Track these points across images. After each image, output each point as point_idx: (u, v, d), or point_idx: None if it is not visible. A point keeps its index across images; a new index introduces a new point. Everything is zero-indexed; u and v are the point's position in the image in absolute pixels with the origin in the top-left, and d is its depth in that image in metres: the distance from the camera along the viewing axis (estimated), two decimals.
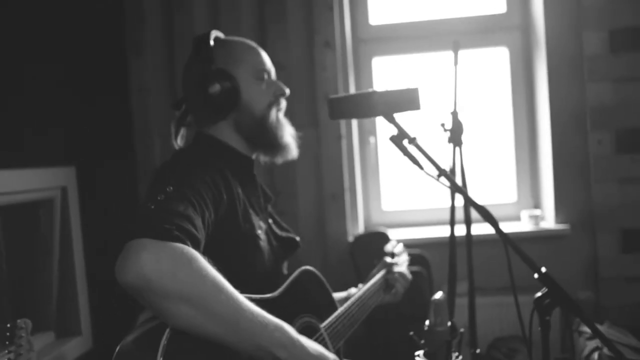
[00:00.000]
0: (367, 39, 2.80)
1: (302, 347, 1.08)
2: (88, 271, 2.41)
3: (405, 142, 1.24)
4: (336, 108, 1.26)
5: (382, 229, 2.66)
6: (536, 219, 2.61)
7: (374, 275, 1.73)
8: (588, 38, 2.50)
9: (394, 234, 2.60)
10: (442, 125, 1.59)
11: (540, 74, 2.64)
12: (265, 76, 1.41)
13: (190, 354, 1.01)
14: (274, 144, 1.41)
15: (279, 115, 1.44)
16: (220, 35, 1.45)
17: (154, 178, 1.23)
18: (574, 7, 2.52)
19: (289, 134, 1.44)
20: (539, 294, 1.20)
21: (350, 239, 2.60)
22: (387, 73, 2.83)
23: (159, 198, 1.07)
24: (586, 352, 2.23)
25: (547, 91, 2.56)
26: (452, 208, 1.63)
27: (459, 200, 1.62)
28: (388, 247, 1.89)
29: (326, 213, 2.58)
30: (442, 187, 1.33)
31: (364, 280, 1.75)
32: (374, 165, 2.87)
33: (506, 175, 2.81)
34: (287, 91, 1.44)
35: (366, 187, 2.86)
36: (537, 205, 2.76)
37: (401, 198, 2.89)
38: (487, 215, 1.22)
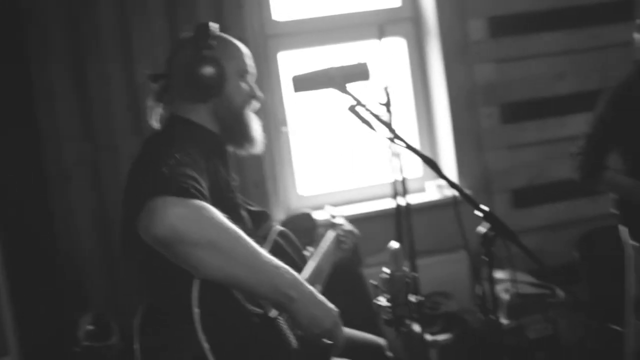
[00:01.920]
0: (273, 34, 2.93)
1: (309, 289, 1.22)
2: (11, 286, 2.32)
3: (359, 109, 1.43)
4: (299, 84, 1.42)
5: (306, 210, 2.82)
6: (441, 188, 2.92)
7: (322, 237, 1.87)
8: (473, 25, 2.87)
9: (315, 215, 2.78)
10: (378, 100, 1.80)
11: (434, 59, 2.97)
12: (248, 78, 1.52)
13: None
14: (245, 136, 1.52)
15: (252, 112, 1.55)
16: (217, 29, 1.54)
17: (149, 157, 1.31)
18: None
19: (258, 130, 1.56)
20: (483, 229, 1.44)
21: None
22: (293, 67, 2.99)
23: (170, 162, 1.16)
24: (497, 295, 2.58)
25: (442, 74, 2.89)
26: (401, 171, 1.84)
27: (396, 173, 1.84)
28: (324, 212, 2.03)
29: (250, 200, 2.69)
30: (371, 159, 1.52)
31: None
32: (288, 153, 3.02)
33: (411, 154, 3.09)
34: (261, 95, 1.56)
35: (283, 175, 3.00)
36: None
37: (316, 183, 3.06)
38: (435, 167, 1.45)
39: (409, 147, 1.44)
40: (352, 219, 2.71)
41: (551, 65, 2.96)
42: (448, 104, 2.91)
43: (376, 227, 2.59)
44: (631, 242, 2.04)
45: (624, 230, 2.06)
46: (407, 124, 3.09)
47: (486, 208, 1.41)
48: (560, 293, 2.56)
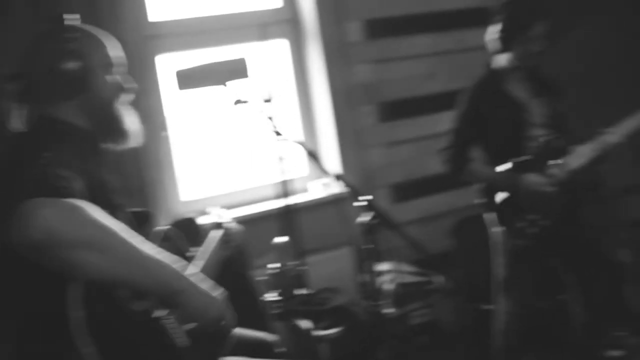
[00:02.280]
0: (150, 36, 2.80)
1: (192, 280, 1.20)
2: None
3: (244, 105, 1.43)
4: (183, 80, 1.40)
5: (190, 214, 2.75)
6: (326, 186, 2.99)
7: (207, 238, 1.85)
8: (350, 27, 2.99)
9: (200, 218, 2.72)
10: (261, 98, 1.80)
11: (315, 60, 3.04)
12: (115, 69, 1.45)
13: None
14: (118, 130, 1.45)
15: (123, 105, 1.48)
16: (77, 21, 1.44)
17: (15, 160, 1.22)
18: (338, 1, 2.96)
19: (132, 122, 1.50)
20: (366, 218, 1.50)
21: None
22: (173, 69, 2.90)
23: (40, 163, 1.08)
24: (382, 286, 2.69)
25: (323, 74, 2.97)
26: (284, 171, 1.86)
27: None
28: (211, 213, 2.00)
29: (133, 206, 2.58)
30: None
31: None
32: (169, 157, 2.93)
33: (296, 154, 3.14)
34: (133, 86, 1.49)
35: (164, 180, 2.90)
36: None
37: (199, 187, 3.00)
38: (316, 159, 1.49)
39: (291, 141, 1.47)
40: (240, 221, 2.72)
41: (423, 66, 3.15)
42: (330, 104, 2.99)
43: (263, 228, 2.59)
44: (496, 228, 2.22)
45: (489, 218, 2.24)
46: (292, 124, 3.13)
47: (368, 197, 1.46)
48: (438, 280, 2.72)
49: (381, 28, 3.05)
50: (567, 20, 3.54)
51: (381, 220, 1.47)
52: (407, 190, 3.14)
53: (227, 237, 1.84)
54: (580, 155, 2.15)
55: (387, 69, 3.07)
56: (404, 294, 2.62)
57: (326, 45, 2.97)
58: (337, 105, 3.00)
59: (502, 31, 2.17)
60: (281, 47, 3.07)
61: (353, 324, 2.56)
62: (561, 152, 2.19)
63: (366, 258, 1.47)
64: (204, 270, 1.62)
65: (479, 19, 2.86)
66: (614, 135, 2.13)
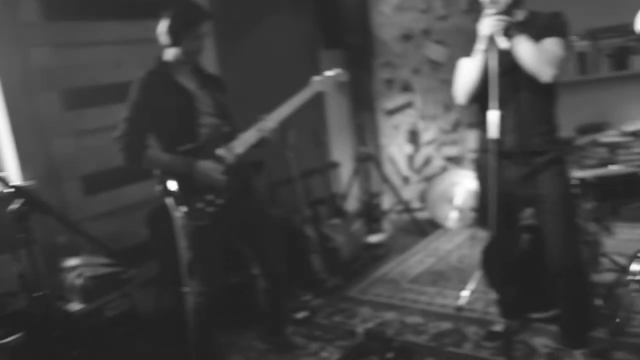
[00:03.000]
0: None
1: None
2: None
3: None
4: None
5: None
6: (3, 181, 2.69)
7: None
8: (24, 5, 2.71)
9: None
10: None
11: None
12: None
13: None
14: None
15: None
16: None
17: None
18: None
19: None
20: (15, 205, 1.41)
21: None
22: None
23: None
24: (71, 282, 2.55)
25: None
26: None
27: None
28: None
29: None
30: None
31: None
32: None
33: None
34: None
35: None
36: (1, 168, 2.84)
37: None
38: None
39: None
40: None
41: (110, 53, 3.06)
42: (2, 90, 2.68)
43: None
44: (176, 212, 2.29)
45: (169, 203, 2.31)
46: None
47: (17, 183, 1.37)
48: (133, 269, 2.70)
49: (61, 10, 2.86)
50: (242, 21, 3.87)
51: (34, 205, 1.39)
52: (98, 182, 3.02)
53: None
54: (244, 141, 2.37)
55: (70, 55, 2.90)
56: (94, 288, 2.53)
57: None
58: (13, 91, 2.71)
59: (171, 26, 2.24)
60: None
61: (36, 327, 2.36)
62: (228, 138, 2.37)
63: (21, 246, 1.38)
64: None
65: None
66: (270, 121, 2.39)
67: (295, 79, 4.17)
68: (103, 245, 2.38)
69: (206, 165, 2.27)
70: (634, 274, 2.62)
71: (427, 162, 4.74)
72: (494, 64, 2.00)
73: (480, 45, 2.06)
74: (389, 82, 4.68)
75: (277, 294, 2.64)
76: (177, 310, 2.74)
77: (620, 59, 4.25)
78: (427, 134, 4.69)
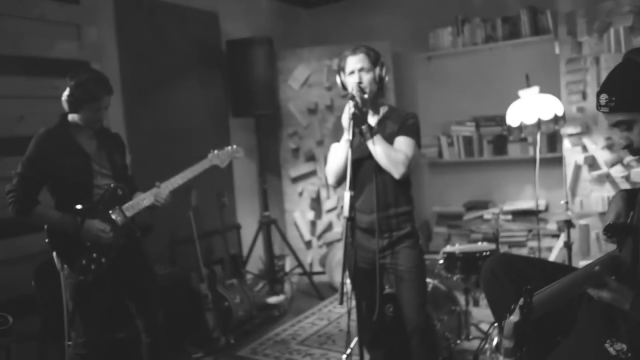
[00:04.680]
0: None
1: None
2: None
3: None
4: None
5: None
6: None
7: None
8: None
9: None
10: None
11: None
12: None
13: None
14: None
15: None
16: None
17: None
18: None
19: None
20: None
21: None
22: None
23: None
24: None
25: None
26: None
27: None
28: None
29: None
30: None
31: None
32: None
33: None
34: None
35: None
36: None
37: None
38: None
39: None
40: None
41: (14, 107, 3.13)
42: None
43: None
44: (62, 266, 2.37)
45: (55, 255, 2.38)
46: None
47: None
48: (11, 320, 2.67)
49: None
50: (152, 84, 4.06)
51: None
52: None
53: None
54: (137, 204, 2.49)
55: None
56: None
57: None
58: None
59: (71, 96, 2.35)
60: None
61: None
62: (122, 200, 2.49)
63: None
64: None
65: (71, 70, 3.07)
66: (163, 189, 2.54)
67: (204, 143, 4.39)
68: None
69: (94, 225, 2.37)
70: (491, 340, 2.92)
71: (328, 228, 4.99)
72: (349, 151, 2.12)
73: (345, 135, 2.22)
74: (295, 151, 4.96)
75: (158, 348, 2.67)
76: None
77: (498, 145, 4.75)
78: (329, 202, 4.96)
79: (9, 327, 2.64)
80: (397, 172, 2.27)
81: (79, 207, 2.37)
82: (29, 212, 2.31)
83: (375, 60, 2.35)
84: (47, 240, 2.37)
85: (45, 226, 2.36)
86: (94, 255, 2.37)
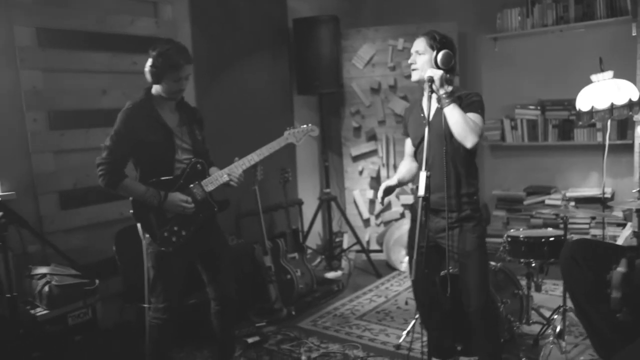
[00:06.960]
0: None
1: None
2: None
3: None
4: None
5: None
6: None
7: None
8: (19, 32, 2.95)
9: None
10: None
11: None
12: None
13: None
14: None
15: None
16: None
17: None
18: (4, 4, 2.91)
19: None
20: None
21: None
22: None
23: None
24: (38, 288, 2.72)
25: None
26: None
27: None
28: None
29: None
30: None
31: None
32: None
33: None
34: None
35: None
36: None
37: None
38: None
39: None
40: None
41: (97, 81, 3.30)
42: None
43: None
44: (144, 236, 2.51)
45: (139, 226, 2.52)
46: None
47: None
48: (97, 282, 2.87)
49: (53, 38, 3.10)
50: (222, 60, 4.16)
51: (13, 219, 1.58)
52: (75, 198, 3.22)
53: None
54: (215, 180, 2.58)
55: (59, 79, 3.13)
56: (59, 295, 2.69)
57: None
58: (1, 110, 2.92)
59: (153, 66, 2.42)
60: None
61: (3, 325, 2.51)
62: (202, 175, 2.58)
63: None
64: None
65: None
66: (238, 167, 2.60)
67: (269, 119, 4.50)
68: (68, 257, 2.57)
69: (177, 197, 2.47)
70: (554, 327, 2.92)
71: (387, 207, 5.03)
72: (426, 130, 2.23)
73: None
74: (357, 130, 5.00)
75: (226, 318, 2.78)
76: (136, 325, 2.92)
77: (564, 130, 4.64)
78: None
79: (95, 287, 2.84)
80: (470, 141, 2.30)
81: (162, 179, 2.48)
82: (117, 185, 2.42)
83: (433, 43, 2.40)
84: (131, 211, 2.49)
85: (131, 198, 2.48)
86: (175, 228, 2.49)
